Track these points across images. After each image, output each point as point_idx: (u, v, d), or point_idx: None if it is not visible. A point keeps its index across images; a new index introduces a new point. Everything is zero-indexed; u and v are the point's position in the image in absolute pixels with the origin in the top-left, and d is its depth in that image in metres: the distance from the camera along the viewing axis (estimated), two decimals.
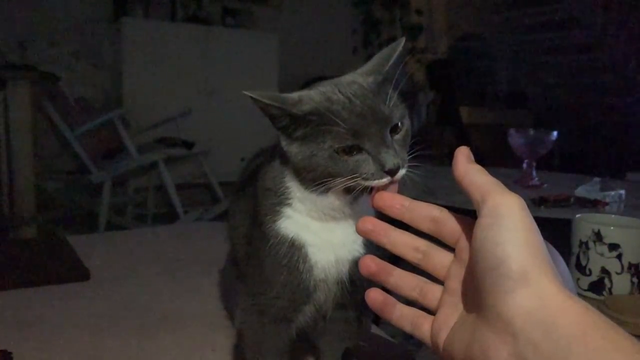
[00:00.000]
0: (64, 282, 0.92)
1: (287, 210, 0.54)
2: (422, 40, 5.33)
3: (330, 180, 0.48)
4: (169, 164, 3.25)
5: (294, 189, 0.53)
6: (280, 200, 0.54)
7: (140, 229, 2.52)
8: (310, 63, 4.38)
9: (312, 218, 0.53)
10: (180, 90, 3.89)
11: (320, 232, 0.53)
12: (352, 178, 0.47)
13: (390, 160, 0.46)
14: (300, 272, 0.53)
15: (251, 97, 0.48)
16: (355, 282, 0.55)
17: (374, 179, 0.47)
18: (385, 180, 0.47)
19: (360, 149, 0.47)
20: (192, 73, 3.97)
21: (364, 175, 0.47)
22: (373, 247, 0.55)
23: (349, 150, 0.47)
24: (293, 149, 0.50)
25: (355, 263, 0.54)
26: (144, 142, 3.38)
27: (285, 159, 0.53)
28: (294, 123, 0.49)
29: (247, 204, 0.61)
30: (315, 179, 0.49)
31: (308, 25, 4.62)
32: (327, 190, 0.49)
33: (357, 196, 0.50)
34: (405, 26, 5.22)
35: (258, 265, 0.55)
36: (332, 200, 0.51)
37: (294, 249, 0.53)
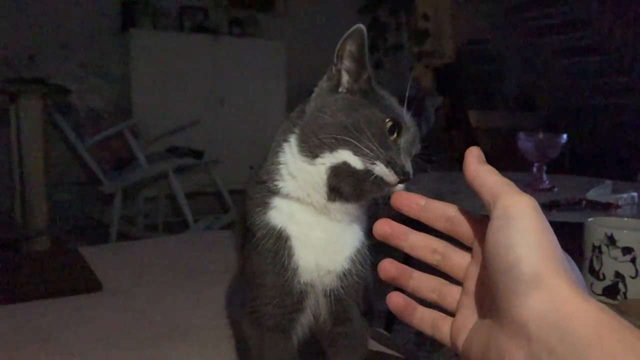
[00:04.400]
0: (76, 293, 0.93)
1: (276, 200, 0.53)
2: (429, 45, 5.33)
3: (346, 142, 0.48)
4: (179, 173, 3.27)
5: (289, 159, 0.52)
6: (270, 188, 0.53)
7: (151, 238, 2.53)
8: (317, 69, 4.38)
9: (299, 202, 0.52)
10: (189, 100, 3.92)
11: (304, 225, 0.52)
12: (372, 157, 0.47)
13: (410, 169, 0.48)
14: (286, 269, 0.52)
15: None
16: (342, 296, 0.54)
17: (389, 169, 0.47)
18: (395, 179, 0.47)
19: (397, 138, 0.49)
20: (200, 82, 4.00)
21: (387, 159, 0.47)
22: (357, 262, 0.54)
23: (392, 130, 0.49)
24: (341, 97, 0.51)
25: (338, 277, 0.53)
26: (153, 152, 3.41)
27: (296, 120, 0.53)
28: (368, 78, 0.52)
29: (242, 209, 0.60)
30: (331, 132, 0.48)
31: (314, 32, 4.64)
32: (330, 151, 0.49)
33: (337, 197, 0.50)
34: (411, 31, 5.22)
35: (249, 268, 0.55)
36: (321, 171, 0.49)
37: (280, 242, 0.52)
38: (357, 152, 0.47)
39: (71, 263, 1.07)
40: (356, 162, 0.48)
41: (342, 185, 0.49)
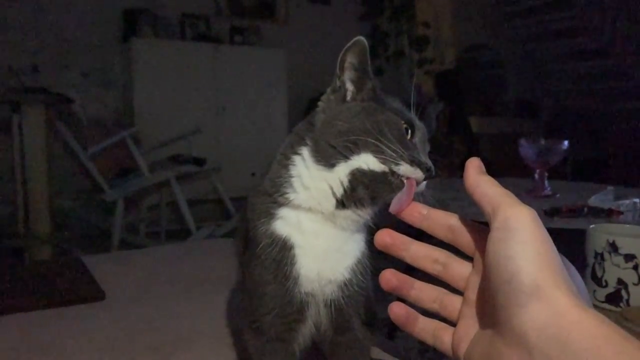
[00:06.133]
0: (79, 302, 0.93)
1: (283, 211, 0.52)
2: (430, 52, 5.35)
3: (367, 145, 0.48)
4: (181, 181, 3.27)
5: (303, 171, 0.51)
6: (276, 200, 0.53)
7: (153, 247, 2.54)
8: (318, 77, 4.42)
9: (308, 211, 0.52)
10: (191, 108, 3.93)
11: (310, 234, 0.52)
12: (396, 157, 0.47)
13: (432, 165, 0.48)
14: (287, 278, 0.52)
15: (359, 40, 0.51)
16: (343, 306, 0.54)
17: (414, 167, 0.47)
18: (421, 175, 0.47)
19: (412, 138, 0.50)
20: (202, 91, 4.02)
21: (411, 158, 0.47)
22: (358, 272, 0.54)
23: (406, 132, 0.50)
24: (354, 104, 0.52)
25: (339, 287, 0.53)
26: (155, 160, 3.41)
27: (305, 132, 0.53)
28: (372, 87, 0.53)
29: (244, 219, 0.60)
30: (349, 137, 0.48)
31: (315, 40, 4.66)
32: (349, 156, 0.49)
33: (350, 204, 0.50)
34: (412, 38, 5.24)
35: (250, 277, 0.55)
36: (338, 178, 0.49)
37: (284, 251, 0.52)
38: (378, 153, 0.47)
39: (74, 272, 1.07)
40: (376, 165, 0.48)
41: (361, 190, 0.49)
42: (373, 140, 0.48)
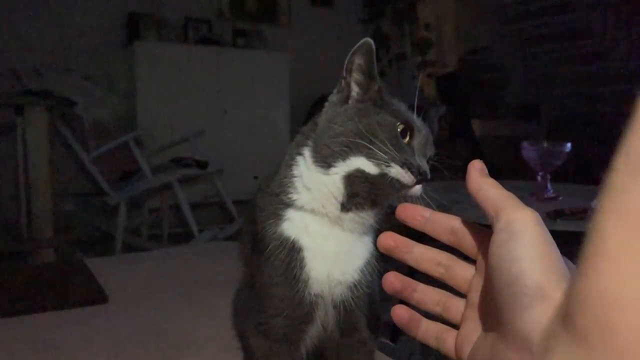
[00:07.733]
0: (82, 305, 0.93)
1: (289, 212, 0.53)
2: (432, 54, 5.35)
3: (359, 148, 0.48)
4: (184, 184, 3.27)
5: (304, 171, 0.52)
6: (283, 200, 0.53)
7: (156, 250, 2.54)
8: (321, 81, 4.42)
9: (313, 213, 0.52)
10: (193, 111, 3.94)
11: (318, 236, 0.52)
12: (387, 159, 0.47)
13: (426, 168, 0.48)
14: (297, 280, 0.52)
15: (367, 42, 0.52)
16: (351, 307, 0.54)
17: (405, 170, 0.47)
18: (411, 179, 0.47)
19: (410, 140, 0.50)
20: (205, 94, 4.02)
21: (403, 160, 0.47)
22: (367, 273, 0.54)
23: (404, 134, 0.50)
24: (350, 106, 0.52)
25: (348, 288, 0.54)
26: (158, 163, 3.41)
27: (309, 133, 0.53)
28: (378, 89, 0.53)
29: (251, 221, 0.60)
30: (343, 140, 0.49)
31: (317, 44, 4.67)
32: (343, 159, 0.49)
33: (352, 207, 0.50)
34: (414, 41, 5.24)
35: (259, 279, 0.55)
36: (336, 181, 0.50)
37: (293, 253, 0.52)
38: (371, 156, 0.48)
39: (77, 275, 1.07)
40: (370, 168, 0.48)
41: (359, 193, 0.49)
42: (365, 143, 0.48)
